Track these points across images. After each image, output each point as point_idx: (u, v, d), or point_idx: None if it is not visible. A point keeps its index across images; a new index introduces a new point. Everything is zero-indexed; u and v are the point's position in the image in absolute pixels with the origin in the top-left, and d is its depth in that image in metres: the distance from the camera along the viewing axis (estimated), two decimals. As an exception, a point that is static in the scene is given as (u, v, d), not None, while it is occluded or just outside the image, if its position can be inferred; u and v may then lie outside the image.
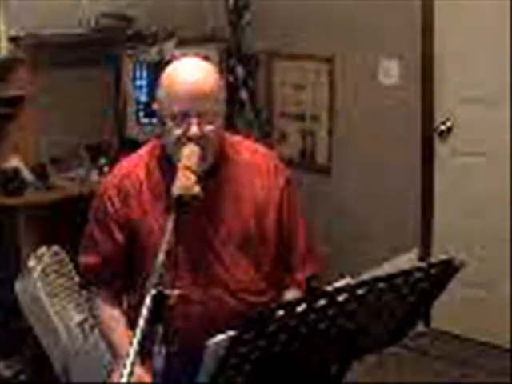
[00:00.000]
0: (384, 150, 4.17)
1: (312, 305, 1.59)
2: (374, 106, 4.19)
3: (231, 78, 4.43)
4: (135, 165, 2.26)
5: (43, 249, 3.48)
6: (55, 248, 3.51)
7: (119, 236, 2.22)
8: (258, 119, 4.57)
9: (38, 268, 3.39)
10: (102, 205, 2.25)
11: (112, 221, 2.22)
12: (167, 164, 2.18)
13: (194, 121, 2.08)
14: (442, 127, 3.95)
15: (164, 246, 1.75)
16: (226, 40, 4.48)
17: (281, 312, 1.56)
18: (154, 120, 3.91)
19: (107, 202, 2.23)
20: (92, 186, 3.86)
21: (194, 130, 2.08)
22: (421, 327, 3.96)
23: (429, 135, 4.00)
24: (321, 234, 3.90)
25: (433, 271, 1.74)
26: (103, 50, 4.28)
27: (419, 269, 1.73)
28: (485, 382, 3.57)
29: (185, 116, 2.09)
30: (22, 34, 3.84)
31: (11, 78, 3.90)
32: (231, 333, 1.57)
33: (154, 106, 2.21)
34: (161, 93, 2.16)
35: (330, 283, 1.72)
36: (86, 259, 2.30)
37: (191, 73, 2.13)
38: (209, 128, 2.10)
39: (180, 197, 1.87)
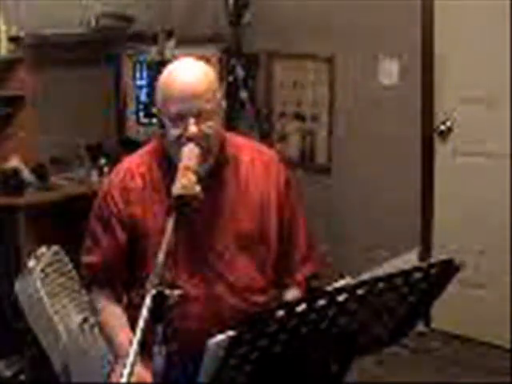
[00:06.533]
0: (384, 149, 4.17)
1: (312, 305, 1.59)
2: (374, 106, 4.19)
3: (231, 78, 4.42)
4: (137, 164, 2.27)
5: (43, 249, 3.47)
6: (55, 248, 3.50)
7: (121, 235, 2.23)
8: (258, 119, 4.57)
9: (38, 268, 3.39)
10: (104, 204, 2.25)
11: (114, 220, 2.23)
12: (168, 164, 2.19)
13: (192, 121, 2.09)
14: (442, 127, 3.95)
15: (164, 246, 1.75)
16: (226, 40, 4.48)
17: (281, 312, 1.56)
18: (154, 120, 3.91)
19: (109, 201, 2.23)
20: (92, 186, 3.87)
21: (191, 129, 2.09)
22: (421, 327, 3.97)
23: (429, 135, 4.00)
24: (321, 233, 3.90)
25: (433, 271, 1.74)
26: (103, 50, 4.28)
27: (419, 269, 1.73)
28: (485, 382, 3.57)
29: (182, 116, 2.10)
30: (21, 34, 3.84)
31: (11, 77, 3.90)
32: (231, 333, 1.57)
33: (154, 110, 2.22)
34: (158, 95, 2.18)
35: (329, 283, 1.72)
36: (89, 259, 2.30)
37: (186, 73, 2.14)
38: (207, 127, 2.11)
39: (180, 197, 1.88)
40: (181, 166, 1.99)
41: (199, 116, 2.10)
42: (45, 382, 3.55)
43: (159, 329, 1.66)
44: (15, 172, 3.81)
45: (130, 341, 1.90)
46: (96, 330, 3.19)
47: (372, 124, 4.22)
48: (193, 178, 1.94)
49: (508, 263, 3.79)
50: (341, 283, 1.73)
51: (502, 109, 3.73)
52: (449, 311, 3.91)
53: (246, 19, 4.49)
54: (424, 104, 3.99)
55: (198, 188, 1.92)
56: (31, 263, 3.40)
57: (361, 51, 4.19)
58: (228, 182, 2.24)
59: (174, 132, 2.11)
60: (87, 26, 4.14)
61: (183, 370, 2.04)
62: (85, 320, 3.39)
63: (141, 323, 1.61)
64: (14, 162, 3.88)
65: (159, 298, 1.66)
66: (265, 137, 4.51)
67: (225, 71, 4.34)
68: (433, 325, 4.10)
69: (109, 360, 2.34)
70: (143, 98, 4.24)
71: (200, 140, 2.09)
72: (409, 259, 1.96)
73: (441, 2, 3.86)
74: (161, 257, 1.73)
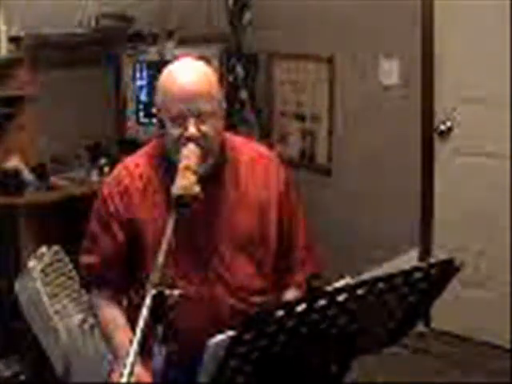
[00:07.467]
0: (384, 150, 4.17)
1: (312, 305, 1.59)
2: (374, 106, 4.19)
3: (231, 78, 4.43)
4: (136, 165, 2.27)
5: (43, 249, 3.48)
6: (55, 248, 3.51)
7: (120, 236, 2.23)
8: (258, 119, 4.57)
9: (38, 268, 3.39)
10: (103, 204, 2.25)
11: (113, 220, 2.23)
12: (168, 164, 2.18)
13: (192, 121, 2.09)
14: (442, 127, 3.95)
15: (164, 246, 1.75)
16: (226, 40, 4.48)
17: (281, 312, 1.56)
18: (154, 120, 3.91)
19: (109, 202, 2.23)
20: (92, 186, 3.87)
21: (191, 130, 2.09)
22: (421, 327, 3.96)
23: (429, 135, 4.00)
24: (321, 234, 3.90)
25: (433, 271, 1.74)
26: (103, 50, 4.28)
27: (419, 269, 1.73)
28: (485, 382, 3.57)
29: (182, 117, 2.10)
30: (22, 34, 3.84)
31: (11, 77, 3.90)
32: (231, 333, 1.57)
33: (154, 110, 2.22)
34: (158, 95, 2.18)
35: (329, 283, 1.72)
36: (87, 259, 2.30)
37: (186, 73, 2.14)
38: (207, 128, 2.11)
39: (180, 197, 1.87)
40: (181, 166, 1.99)
41: (199, 117, 2.10)
42: (45, 382, 3.55)
43: (159, 329, 1.66)
44: (15, 172, 3.81)
45: (129, 341, 1.90)
46: (96, 330, 3.19)
47: (372, 124, 4.22)
48: (193, 178, 1.93)
49: (508, 263, 3.79)
50: (341, 283, 1.73)
51: (501, 109, 3.73)
52: (449, 311, 3.92)
53: (246, 19, 4.49)
54: (424, 104, 3.99)
55: (197, 188, 1.92)
56: (31, 263, 3.41)
57: (361, 51, 4.18)
58: (227, 182, 2.24)
59: (174, 132, 2.11)
60: (87, 26, 4.14)
61: (183, 370, 2.04)
62: (85, 320, 3.39)
63: (141, 323, 1.61)
64: (14, 162, 3.88)
65: (159, 298, 1.66)
66: (265, 137, 4.52)
67: (225, 71, 4.34)
68: (433, 325, 4.10)
69: (109, 360, 2.35)
70: (143, 97, 4.24)
71: (200, 140, 2.09)
72: (409, 259, 1.96)
73: (441, 1, 3.85)
74: (160, 257, 1.73)
